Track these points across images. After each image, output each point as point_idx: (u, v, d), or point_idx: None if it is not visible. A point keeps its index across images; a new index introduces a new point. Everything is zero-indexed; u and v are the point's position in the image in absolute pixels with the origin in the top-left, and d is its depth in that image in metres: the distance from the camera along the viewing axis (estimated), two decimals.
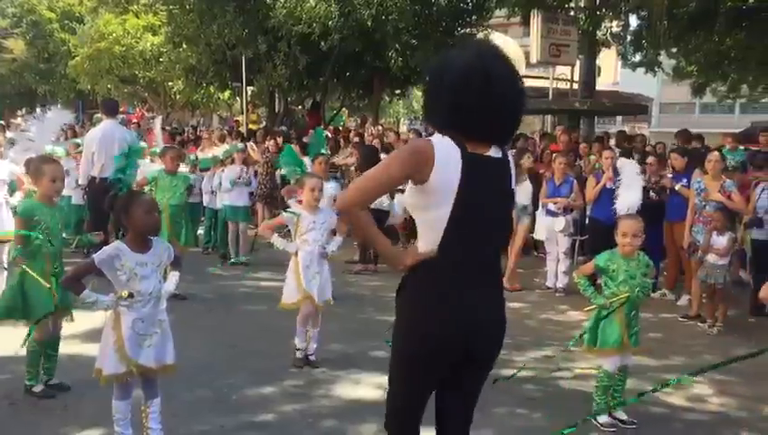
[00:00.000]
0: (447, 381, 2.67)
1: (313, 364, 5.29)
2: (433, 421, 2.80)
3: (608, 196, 7.87)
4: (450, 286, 2.50)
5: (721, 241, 6.80)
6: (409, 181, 2.54)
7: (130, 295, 3.46)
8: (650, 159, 8.34)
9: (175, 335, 6.06)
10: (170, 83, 22.43)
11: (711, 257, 6.82)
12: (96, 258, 3.43)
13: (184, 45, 17.97)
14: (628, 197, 5.58)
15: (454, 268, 2.50)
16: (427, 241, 2.53)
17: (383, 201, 8.52)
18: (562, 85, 18.18)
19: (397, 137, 12.47)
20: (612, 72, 44.77)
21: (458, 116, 2.47)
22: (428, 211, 2.52)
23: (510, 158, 2.66)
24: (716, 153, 7.36)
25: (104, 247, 3.51)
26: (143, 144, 12.18)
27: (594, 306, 4.39)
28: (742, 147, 11.70)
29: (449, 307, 2.49)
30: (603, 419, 4.37)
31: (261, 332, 6.19)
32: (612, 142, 12.14)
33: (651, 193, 8.15)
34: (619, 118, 38.49)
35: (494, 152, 2.56)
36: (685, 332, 6.81)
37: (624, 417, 4.41)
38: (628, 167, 6.04)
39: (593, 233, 8.33)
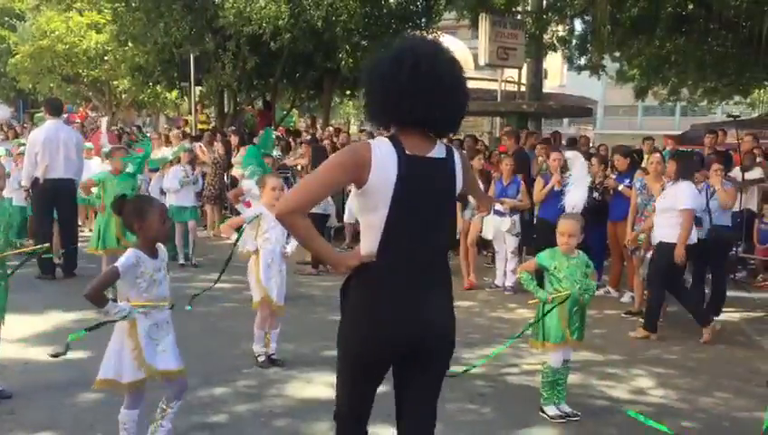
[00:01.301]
0: (402, 381, 2.71)
1: (278, 363, 5.33)
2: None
3: (555, 196, 8.09)
4: (389, 288, 2.52)
5: None
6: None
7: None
8: (593, 161, 8.58)
9: None
10: (116, 82, 22.02)
11: (652, 255, 7.05)
12: (120, 267, 3.39)
13: (130, 44, 17.66)
14: (576, 194, 5.72)
15: (393, 269, 2.52)
16: (368, 243, 2.55)
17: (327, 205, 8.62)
18: (511, 87, 18.49)
19: (348, 137, 12.52)
20: (559, 75, 45.73)
21: (392, 103, 2.47)
22: (369, 213, 2.54)
23: (456, 157, 2.64)
24: (657, 155, 7.62)
25: (126, 255, 3.45)
26: (88, 144, 11.98)
27: (536, 300, 4.53)
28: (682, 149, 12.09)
29: (388, 308, 2.51)
30: (551, 410, 4.51)
31: (211, 333, 6.17)
32: (564, 143, 12.40)
33: (595, 193, 8.39)
34: (565, 120, 39.30)
35: (436, 153, 2.57)
36: (627, 327, 7.02)
37: (568, 410, 4.56)
38: (579, 163, 6.11)
39: (541, 233, 8.51)
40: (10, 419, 4.21)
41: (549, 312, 4.46)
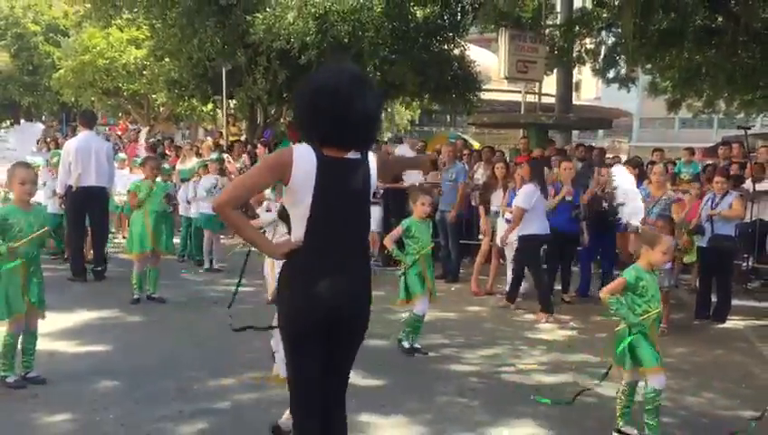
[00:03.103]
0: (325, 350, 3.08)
1: None
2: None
3: (566, 206, 8.33)
4: (312, 270, 2.92)
5: None
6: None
7: None
8: (603, 171, 8.77)
9: (145, 334, 6.46)
10: (153, 96, 22.76)
11: None
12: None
13: (166, 59, 18.32)
14: (632, 207, 5.58)
15: (315, 255, 2.93)
16: (297, 232, 2.98)
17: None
18: (545, 99, 18.72)
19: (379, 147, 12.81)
20: (594, 88, 45.57)
21: (312, 125, 2.93)
22: (294, 207, 2.97)
23: (370, 160, 3.04)
24: (659, 166, 7.80)
25: None
26: (122, 155, 12.56)
27: (623, 325, 4.30)
28: (697, 160, 12.17)
29: (312, 287, 2.90)
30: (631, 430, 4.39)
31: (228, 332, 6.46)
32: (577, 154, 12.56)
33: (604, 203, 8.59)
34: (600, 132, 39.12)
35: (352, 154, 2.97)
36: None
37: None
38: (625, 177, 6.02)
39: (551, 241, 8.73)
40: (33, 401, 4.63)
41: (636, 335, 4.24)
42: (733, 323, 7.64)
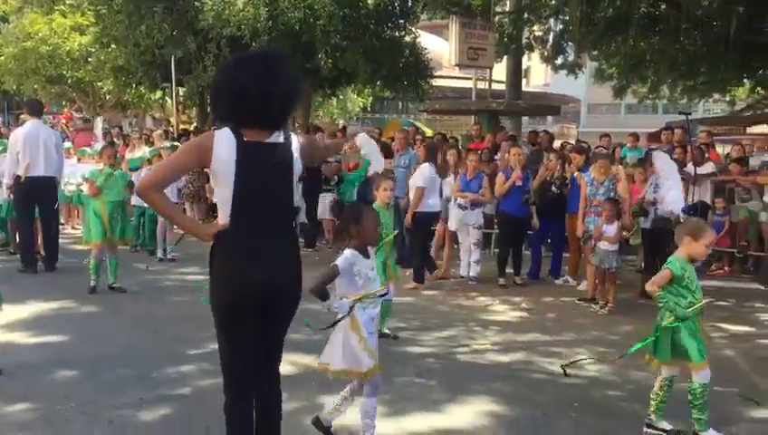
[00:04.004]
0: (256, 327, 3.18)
1: None
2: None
3: (516, 191, 8.54)
4: (237, 251, 3.05)
5: (611, 229, 7.48)
6: None
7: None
8: (551, 156, 9.00)
9: (101, 324, 6.43)
10: (99, 84, 22.24)
11: (603, 244, 7.49)
12: (340, 265, 3.68)
13: (112, 45, 17.94)
14: (674, 195, 5.47)
15: (240, 236, 3.05)
16: (223, 214, 3.08)
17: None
18: (496, 86, 18.96)
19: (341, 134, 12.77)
20: (543, 74, 46.29)
21: (229, 107, 3.03)
22: (219, 190, 3.08)
23: (293, 140, 3.12)
24: (605, 151, 8.06)
25: (344, 255, 3.73)
26: (68, 144, 12.32)
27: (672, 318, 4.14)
28: (642, 145, 12.54)
29: (237, 267, 3.03)
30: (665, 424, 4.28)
31: (184, 319, 6.53)
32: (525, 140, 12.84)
33: (553, 187, 8.84)
34: (549, 118, 39.79)
35: (273, 138, 3.06)
36: (579, 312, 7.47)
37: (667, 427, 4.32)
38: (668, 163, 5.79)
39: (503, 225, 8.96)
40: None
41: (678, 326, 4.11)
42: None
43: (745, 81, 20.52)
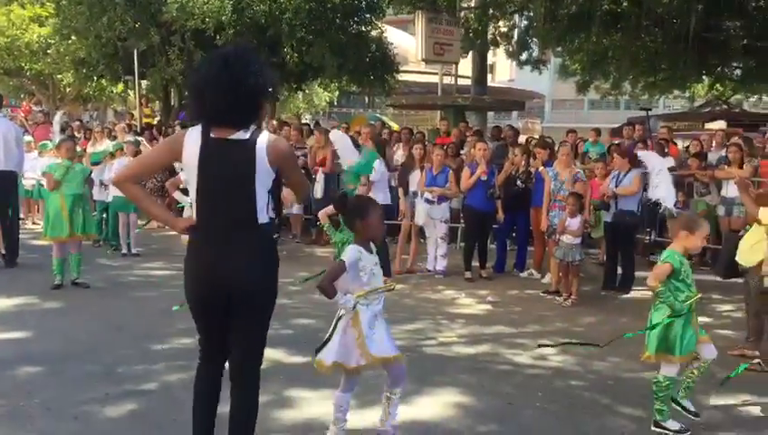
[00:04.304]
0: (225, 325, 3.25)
1: None
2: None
3: (481, 185, 8.63)
4: (202, 244, 3.16)
5: (574, 223, 7.61)
6: None
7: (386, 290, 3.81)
8: (516, 151, 9.12)
9: (65, 320, 6.35)
10: (59, 76, 21.83)
11: (566, 238, 7.62)
12: (347, 261, 3.64)
13: (73, 37, 17.62)
14: (664, 191, 5.48)
15: (202, 231, 3.15)
16: (193, 210, 3.21)
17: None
18: (461, 81, 19.08)
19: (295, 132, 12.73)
20: (508, 70, 46.63)
21: (198, 105, 3.13)
22: (189, 186, 3.23)
23: (261, 138, 3.08)
24: (567, 146, 8.23)
25: (349, 250, 3.71)
26: (28, 138, 12.10)
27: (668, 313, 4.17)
28: (603, 141, 12.74)
29: (201, 261, 3.14)
30: (673, 425, 4.23)
31: (150, 315, 6.48)
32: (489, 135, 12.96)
33: (518, 182, 8.95)
34: (514, 114, 40.15)
35: (238, 135, 3.08)
36: (543, 305, 7.59)
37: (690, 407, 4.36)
38: (655, 161, 5.80)
39: (468, 218, 9.05)
40: None
41: (674, 320, 4.14)
42: (637, 293, 8.11)
43: (704, 77, 21.01)
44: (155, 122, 18.02)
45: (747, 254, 5.65)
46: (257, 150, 3.07)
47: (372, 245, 3.83)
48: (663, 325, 4.15)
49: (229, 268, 3.09)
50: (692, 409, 4.34)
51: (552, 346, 5.58)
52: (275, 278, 3.24)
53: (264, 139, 3.11)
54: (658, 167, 5.37)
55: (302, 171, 3.16)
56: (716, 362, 5.62)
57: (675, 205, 6.87)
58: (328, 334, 3.79)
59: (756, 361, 5.44)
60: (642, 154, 6.14)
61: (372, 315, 3.77)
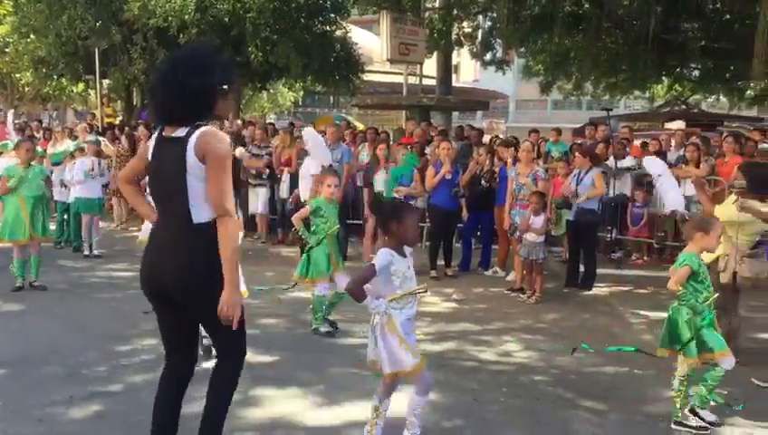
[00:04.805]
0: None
1: None
2: None
3: (446, 184, 8.70)
4: (150, 242, 3.28)
5: (537, 221, 7.73)
6: None
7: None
8: (481, 151, 9.22)
9: (27, 322, 6.26)
10: (18, 75, 21.42)
11: (530, 236, 7.74)
12: (377, 265, 3.57)
13: (32, 36, 17.31)
14: (673, 196, 5.48)
15: (154, 227, 3.31)
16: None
17: None
18: (425, 81, 19.16)
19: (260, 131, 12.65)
20: (473, 70, 46.96)
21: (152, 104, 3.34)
22: None
23: (194, 135, 3.06)
24: (527, 144, 8.34)
25: (381, 255, 3.64)
26: None
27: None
28: (565, 140, 12.95)
29: (144, 260, 3.26)
30: (705, 416, 4.34)
31: (113, 316, 6.42)
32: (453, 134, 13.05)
33: (483, 181, 9.05)
34: (478, 114, 40.47)
35: (178, 133, 3.11)
36: (508, 302, 7.69)
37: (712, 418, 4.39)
38: (660, 166, 5.79)
39: (433, 217, 9.13)
40: None
41: (704, 321, 4.25)
42: (598, 289, 8.28)
43: (664, 78, 21.42)
44: (117, 122, 17.81)
45: None
46: (188, 146, 3.05)
47: (407, 248, 3.76)
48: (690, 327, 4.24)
49: (162, 268, 3.15)
50: (710, 418, 4.37)
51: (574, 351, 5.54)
52: (211, 280, 3.08)
53: (196, 134, 3.07)
54: (660, 171, 5.45)
55: (227, 178, 3.13)
56: (673, 355, 5.82)
57: (645, 204, 6.94)
58: (369, 344, 3.77)
59: None
60: (646, 161, 6.21)
61: (406, 319, 3.72)
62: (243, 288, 4.81)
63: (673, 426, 4.33)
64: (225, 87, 3.18)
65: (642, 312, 7.33)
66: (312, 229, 6.20)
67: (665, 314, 7.25)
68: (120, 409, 4.30)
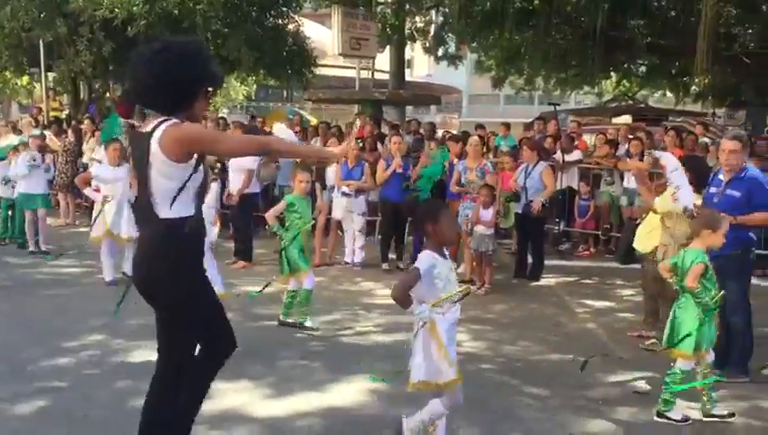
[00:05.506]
0: None
1: None
2: None
3: (398, 178, 8.78)
4: None
5: (487, 214, 7.86)
6: None
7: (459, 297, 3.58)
8: (432, 145, 9.33)
9: None
10: None
11: (479, 228, 7.86)
12: (421, 268, 3.45)
13: None
14: (687, 194, 5.37)
15: None
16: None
17: None
18: (379, 76, 19.19)
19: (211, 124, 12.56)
20: (427, 65, 47.15)
21: None
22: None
23: (160, 128, 3.04)
24: (475, 138, 8.48)
25: (422, 257, 3.51)
26: None
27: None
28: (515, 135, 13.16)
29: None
30: (676, 414, 4.36)
31: (59, 313, 6.33)
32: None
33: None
34: (432, 108, 40.69)
35: (147, 127, 3.14)
36: None
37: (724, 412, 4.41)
38: (673, 162, 5.65)
39: (384, 211, 9.20)
40: None
41: (707, 317, 4.29)
42: (546, 280, 8.47)
43: (612, 74, 21.87)
44: (63, 116, 17.42)
45: (643, 241, 6.01)
46: (152, 140, 3.04)
47: (445, 250, 3.68)
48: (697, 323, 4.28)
49: (135, 261, 3.26)
50: (722, 413, 4.38)
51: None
52: (177, 278, 3.12)
53: (161, 127, 3.05)
54: (673, 166, 5.59)
55: (225, 137, 3.21)
56: (615, 341, 6.04)
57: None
58: (411, 350, 3.63)
59: (652, 340, 5.79)
60: (659, 154, 6.34)
61: (450, 325, 3.60)
62: (221, 290, 4.82)
63: (655, 418, 4.37)
64: (210, 89, 3.21)
65: (587, 301, 7.54)
66: (287, 226, 6.14)
67: (609, 303, 7.58)
68: (66, 405, 4.26)
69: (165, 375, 3.28)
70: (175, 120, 3.06)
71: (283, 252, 6.06)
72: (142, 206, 3.13)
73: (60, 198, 11.85)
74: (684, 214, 4.89)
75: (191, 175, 3.09)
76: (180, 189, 3.07)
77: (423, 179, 8.65)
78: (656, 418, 4.36)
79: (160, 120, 3.08)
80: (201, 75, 3.12)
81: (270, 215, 6.24)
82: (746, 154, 5.56)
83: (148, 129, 3.08)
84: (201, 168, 3.15)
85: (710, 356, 4.41)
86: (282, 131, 8.39)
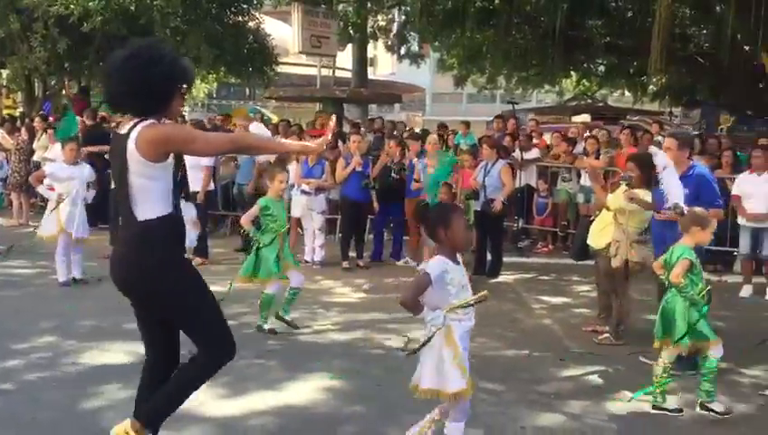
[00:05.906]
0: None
1: None
2: None
3: (357, 176, 8.79)
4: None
5: None
6: None
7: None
8: (391, 143, 9.36)
9: None
10: None
11: None
12: (432, 274, 3.35)
13: None
14: (678, 189, 5.36)
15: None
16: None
17: None
18: (342, 74, 19.14)
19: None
20: (390, 63, 47.18)
21: None
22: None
23: (135, 130, 3.04)
24: (434, 136, 8.54)
25: (435, 263, 3.41)
26: None
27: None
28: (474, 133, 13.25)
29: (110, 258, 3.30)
30: (719, 407, 4.34)
31: (9, 314, 6.19)
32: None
33: (393, 173, 9.17)
34: (396, 106, 40.75)
35: (125, 129, 3.12)
36: None
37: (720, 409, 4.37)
38: (665, 159, 5.62)
39: (344, 209, 9.20)
40: None
41: (702, 311, 4.34)
42: (504, 277, 8.55)
43: (572, 73, 22.15)
44: (17, 114, 17.04)
45: (597, 237, 6.10)
46: (128, 141, 3.05)
47: (459, 256, 3.59)
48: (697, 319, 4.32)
49: (113, 263, 3.21)
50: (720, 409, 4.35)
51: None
52: (156, 278, 3.13)
53: (137, 128, 3.06)
54: (665, 164, 5.65)
55: (197, 134, 3.20)
56: (570, 337, 6.12)
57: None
58: (420, 349, 3.48)
59: (605, 335, 5.89)
60: (652, 150, 6.42)
61: (465, 332, 3.52)
62: None
63: (653, 411, 4.41)
64: (184, 87, 3.20)
65: (544, 298, 7.63)
66: (262, 229, 5.99)
67: (566, 299, 7.68)
68: (13, 407, 4.17)
69: (206, 352, 3.31)
70: (151, 121, 3.08)
71: (254, 255, 5.92)
72: (123, 207, 3.15)
73: (13, 197, 11.59)
74: (674, 211, 4.95)
75: (168, 174, 3.14)
76: (157, 189, 3.11)
77: (430, 184, 8.50)
78: (698, 409, 4.34)
79: (136, 120, 3.10)
80: (173, 74, 3.12)
81: (245, 220, 6.04)
82: (686, 152, 5.66)
83: (125, 130, 3.10)
84: (177, 167, 3.25)
85: (716, 351, 4.35)
86: (258, 129, 8.33)
